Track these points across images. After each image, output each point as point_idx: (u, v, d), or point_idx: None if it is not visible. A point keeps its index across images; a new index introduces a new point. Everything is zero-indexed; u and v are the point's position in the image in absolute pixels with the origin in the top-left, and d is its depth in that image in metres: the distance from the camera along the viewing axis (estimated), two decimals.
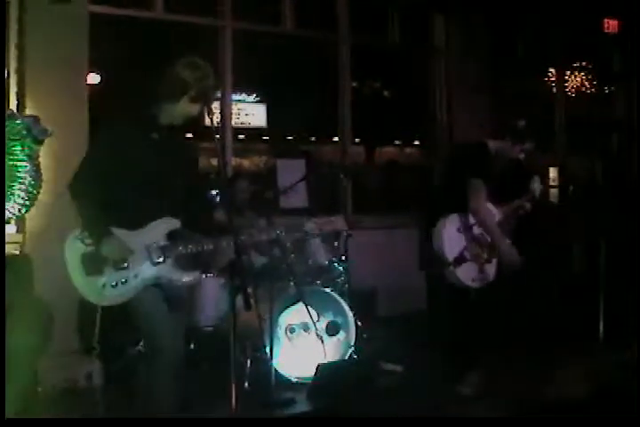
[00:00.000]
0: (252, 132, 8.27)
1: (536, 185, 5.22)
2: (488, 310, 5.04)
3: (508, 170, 5.15)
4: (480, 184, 4.90)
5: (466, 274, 4.92)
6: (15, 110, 5.48)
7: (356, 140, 8.38)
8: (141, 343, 4.82)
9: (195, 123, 3.89)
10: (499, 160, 5.09)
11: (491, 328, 5.02)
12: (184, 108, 3.69)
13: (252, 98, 8.05)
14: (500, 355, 5.39)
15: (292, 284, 5.36)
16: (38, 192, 4.18)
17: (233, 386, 4.24)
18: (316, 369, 4.97)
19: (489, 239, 4.99)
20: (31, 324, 4.79)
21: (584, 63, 10.23)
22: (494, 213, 5.04)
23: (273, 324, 5.08)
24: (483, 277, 4.98)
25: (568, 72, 10.09)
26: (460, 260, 4.89)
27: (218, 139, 6.87)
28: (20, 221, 5.44)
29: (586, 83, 10.25)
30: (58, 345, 5.31)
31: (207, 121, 3.63)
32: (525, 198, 5.20)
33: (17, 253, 5.44)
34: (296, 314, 5.35)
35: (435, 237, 4.90)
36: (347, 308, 5.54)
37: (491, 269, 5.03)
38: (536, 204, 5.26)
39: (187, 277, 3.73)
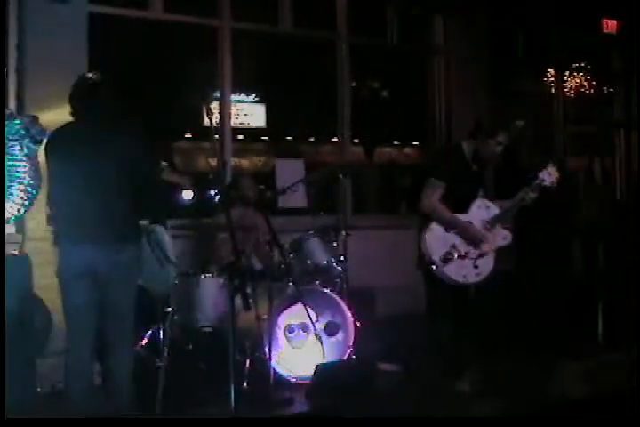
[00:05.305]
0: (252, 133, 8.26)
1: (546, 174, 5.11)
2: (487, 306, 5.08)
3: (501, 165, 5.14)
4: (436, 183, 4.95)
5: (456, 271, 4.96)
6: (14, 111, 5.48)
7: (355, 140, 8.38)
8: None
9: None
10: (482, 157, 5.10)
11: (489, 325, 5.05)
12: None
13: (251, 98, 8.04)
14: (498, 352, 5.40)
15: (290, 284, 5.36)
16: (37, 192, 4.19)
17: (232, 386, 4.25)
18: (315, 369, 4.96)
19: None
20: (30, 324, 4.79)
21: (583, 63, 10.23)
22: (490, 208, 5.06)
23: (272, 324, 5.08)
24: (477, 272, 5.01)
25: (567, 72, 10.09)
26: (447, 258, 4.94)
27: (217, 139, 6.89)
28: (20, 220, 5.44)
29: (585, 83, 10.25)
30: (57, 345, 5.32)
31: (206, 121, 3.64)
32: (529, 189, 5.10)
33: (16, 252, 5.44)
34: (295, 314, 5.34)
35: (421, 237, 4.98)
36: (345, 308, 5.54)
37: (486, 263, 5.05)
38: (544, 194, 5.16)
39: None
